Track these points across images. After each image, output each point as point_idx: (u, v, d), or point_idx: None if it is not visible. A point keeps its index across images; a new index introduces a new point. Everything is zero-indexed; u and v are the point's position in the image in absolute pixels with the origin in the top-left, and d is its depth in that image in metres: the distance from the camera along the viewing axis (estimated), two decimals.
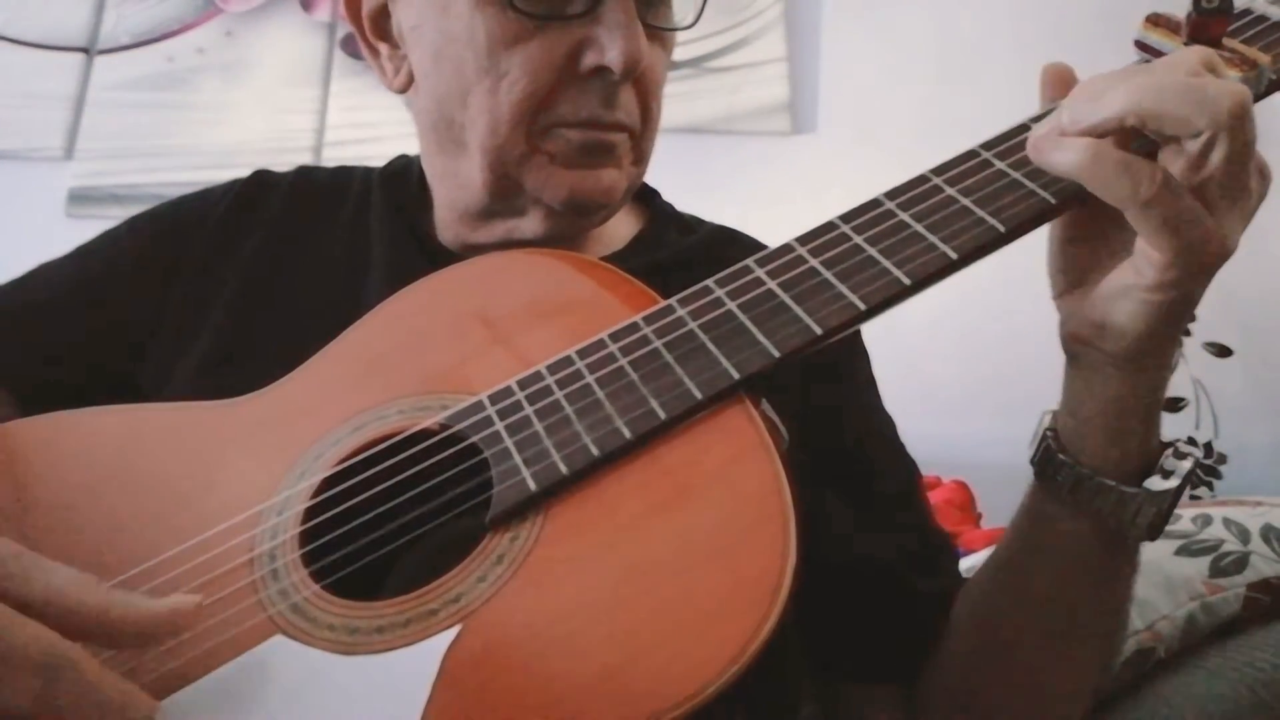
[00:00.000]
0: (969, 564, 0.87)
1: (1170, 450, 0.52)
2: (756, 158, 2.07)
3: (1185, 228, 0.44)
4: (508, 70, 0.61)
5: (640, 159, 0.68)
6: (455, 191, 0.69)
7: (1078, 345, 0.52)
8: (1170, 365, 0.51)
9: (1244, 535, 0.77)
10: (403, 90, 0.69)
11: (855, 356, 0.73)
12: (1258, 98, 0.50)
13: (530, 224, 0.67)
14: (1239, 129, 0.44)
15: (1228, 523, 0.78)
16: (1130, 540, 0.53)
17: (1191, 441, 0.50)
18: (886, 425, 0.72)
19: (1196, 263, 0.45)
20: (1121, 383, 0.50)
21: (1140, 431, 0.51)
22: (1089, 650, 0.58)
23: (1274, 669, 0.70)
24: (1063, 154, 0.45)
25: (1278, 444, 1.89)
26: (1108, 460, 0.51)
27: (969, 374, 1.92)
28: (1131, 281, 0.47)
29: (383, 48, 0.69)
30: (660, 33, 0.65)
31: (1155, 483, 0.51)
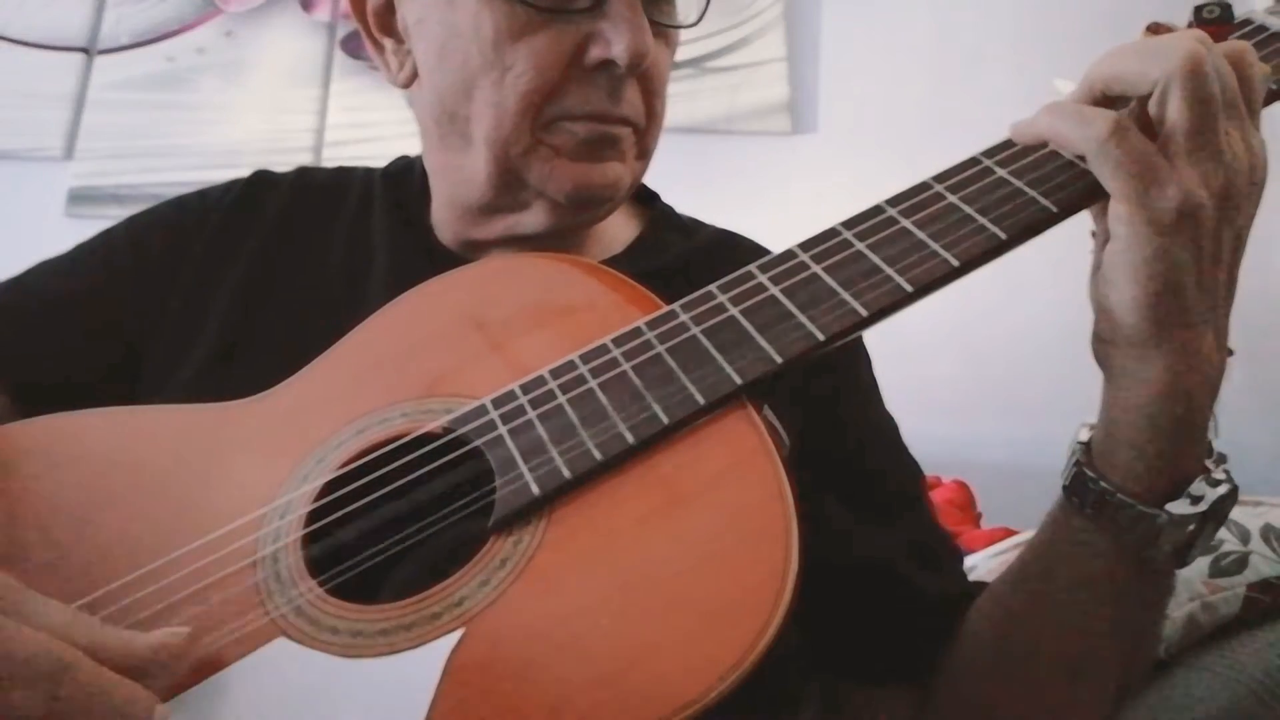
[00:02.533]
0: (969, 564, 0.87)
1: (1203, 476, 0.49)
2: (756, 158, 2.06)
3: (1139, 167, 0.46)
4: (513, 63, 0.61)
5: (644, 154, 0.68)
6: (458, 187, 0.69)
7: (1101, 346, 0.51)
8: (1195, 365, 0.49)
9: (1244, 535, 0.77)
10: (407, 85, 0.69)
11: (857, 360, 0.73)
12: None
13: (533, 218, 0.67)
14: (1195, 78, 0.46)
15: (1228, 522, 0.78)
16: (1155, 564, 0.51)
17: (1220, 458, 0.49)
18: (889, 427, 0.72)
19: (1157, 212, 0.45)
20: (1144, 382, 0.49)
21: (1168, 450, 0.49)
22: (1105, 670, 0.55)
23: (1274, 669, 0.70)
24: (1030, 122, 0.51)
25: (1278, 444, 1.88)
26: (1133, 478, 0.50)
27: (969, 374, 1.92)
28: (1112, 256, 0.48)
29: (387, 43, 0.69)
30: (665, 30, 0.66)
31: (1179, 506, 0.49)
